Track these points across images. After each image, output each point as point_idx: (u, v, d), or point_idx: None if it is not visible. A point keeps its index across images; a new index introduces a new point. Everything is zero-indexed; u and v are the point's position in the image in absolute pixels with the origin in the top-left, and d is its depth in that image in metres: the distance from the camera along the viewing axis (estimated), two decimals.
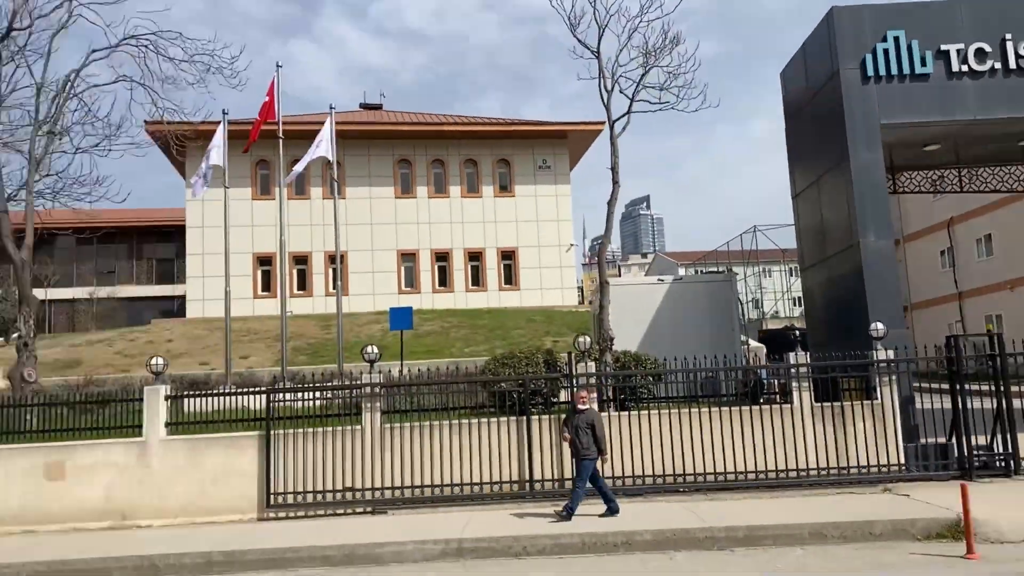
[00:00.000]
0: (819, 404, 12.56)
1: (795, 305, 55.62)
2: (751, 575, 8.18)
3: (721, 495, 11.79)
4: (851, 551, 9.03)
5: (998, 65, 15.11)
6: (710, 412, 12.45)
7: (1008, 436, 12.47)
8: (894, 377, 12.66)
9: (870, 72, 15.19)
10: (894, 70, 15.18)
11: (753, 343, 26.61)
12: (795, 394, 12.58)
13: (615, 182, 16.29)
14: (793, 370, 12.64)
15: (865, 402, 12.64)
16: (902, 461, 12.46)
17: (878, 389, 12.65)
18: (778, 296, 52.05)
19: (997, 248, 36.70)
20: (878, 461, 12.36)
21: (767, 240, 46.83)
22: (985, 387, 12.75)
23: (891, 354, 12.69)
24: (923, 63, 15.19)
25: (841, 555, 8.78)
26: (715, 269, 38.05)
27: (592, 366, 13.06)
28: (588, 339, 12.94)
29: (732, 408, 12.56)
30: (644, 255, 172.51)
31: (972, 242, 38.46)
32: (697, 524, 9.75)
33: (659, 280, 20.81)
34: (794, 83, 18.07)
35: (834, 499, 11.32)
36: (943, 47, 15.25)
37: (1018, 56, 15.02)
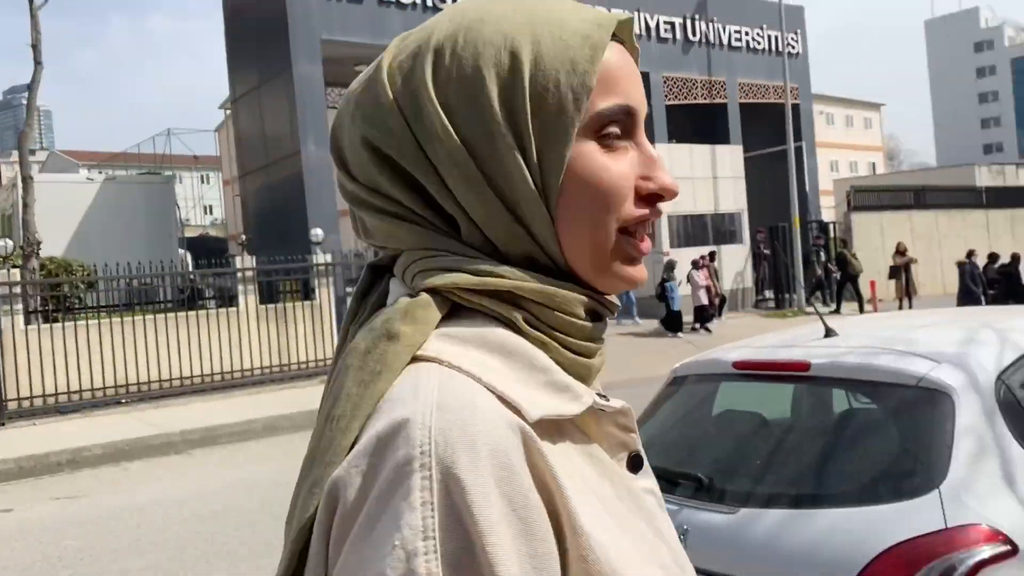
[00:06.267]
0: (264, 306, 13.05)
1: (207, 213, 55.16)
2: (211, 469, 8.40)
3: (170, 402, 11.65)
4: (303, 438, 9.31)
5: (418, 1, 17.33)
6: (155, 320, 12.06)
7: None
8: (331, 279, 13.69)
9: None
10: None
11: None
12: (241, 298, 12.88)
13: (37, 61, 14.11)
14: (239, 274, 12.98)
15: (305, 302, 13.49)
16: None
17: (317, 290, 13.55)
18: (191, 203, 50.51)
19: None
20: (316, 356, 13.15)
21: (182, 145, 45.24)
22: None
23: (329, 258, 13.69)
24: None
25: (296, 443, 8.99)
26: (148, 171, 33.18)
27: (16, 274, 11.60)
28: (9, 243, 12.17)
29: (177, 314, 12.32)
30: (32, 152, 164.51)
31: None
32: (151, 432, 9.53)
33: (88, 179, 19.86)
34: None
35: (281, 394, 11.84)
36: None
37: None
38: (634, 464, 0.75)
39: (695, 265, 17.33)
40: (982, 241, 23.96)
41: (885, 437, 2.56)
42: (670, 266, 17.04)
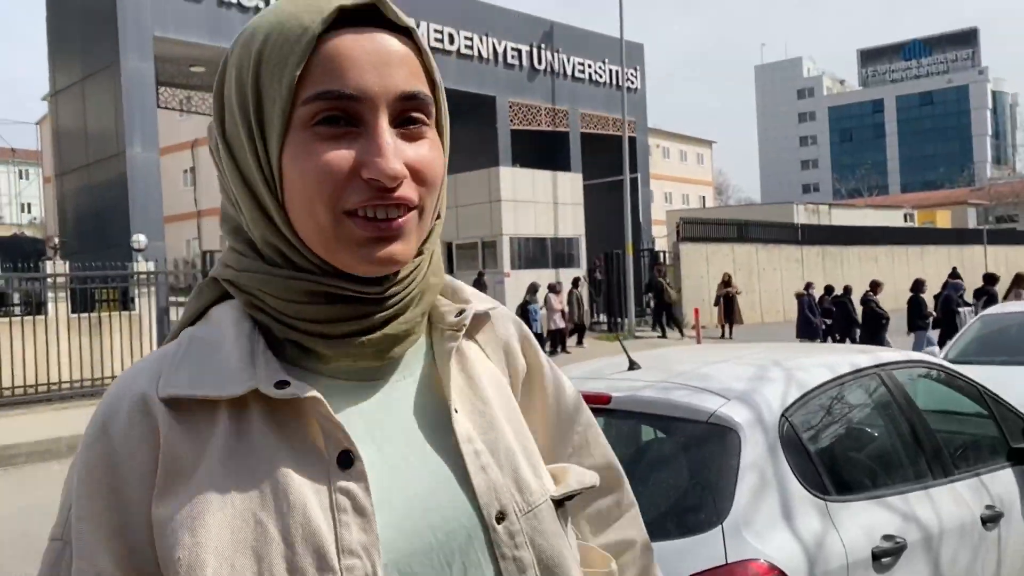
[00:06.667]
0: (76, 315, 12.35)
1: (25, 211, 53.91)
2: (3, 493, 7.81)
3: None
4: None
5: (261, 5, 16.94)
6: None
7: None
8: (152, 288, 13.17)
9: None
10: None
11: None
12: (51, 305, 12.18)
13: None
14: (50, 280, 12.30)
15: (123, 312, 12.88)
16: None
17: (136, 300, 13.01)
18: (6, 200, 49.61)
19: None
20: None
21: None
22: None
23: (151, 266, 13.24)
24: None
25: None
26: None
27: None
28: None
29: None
30: None
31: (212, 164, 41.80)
32: None
33: None
34: None
35: (91, 410, 11.43)
36: None
37: None
38: (343, 460, 0.77)
39: (552, 289, 17.63)
40: (796, 274, 25.67)
41: (678, 472, 2.62)
42: (533, 289, 17.39)
